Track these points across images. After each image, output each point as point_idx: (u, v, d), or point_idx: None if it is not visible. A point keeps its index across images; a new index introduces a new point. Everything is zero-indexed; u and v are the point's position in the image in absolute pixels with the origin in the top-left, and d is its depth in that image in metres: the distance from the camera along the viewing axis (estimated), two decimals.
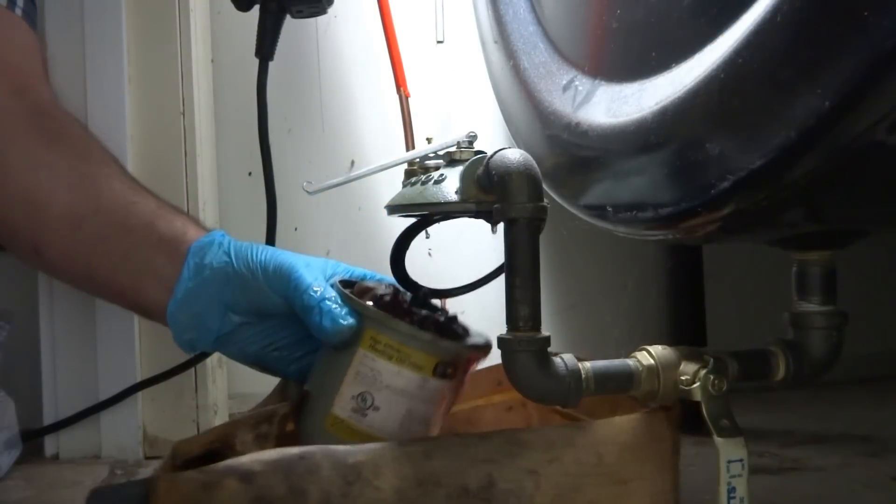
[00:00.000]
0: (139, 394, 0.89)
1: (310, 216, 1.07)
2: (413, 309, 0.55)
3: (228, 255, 0.61)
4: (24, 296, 0.87)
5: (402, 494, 0.45)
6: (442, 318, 0.56)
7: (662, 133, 0.53)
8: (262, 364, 0.64)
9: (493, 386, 0.68)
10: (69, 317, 0.89)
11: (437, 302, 0.61)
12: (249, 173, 1.05)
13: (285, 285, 0.58)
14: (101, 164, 0.68)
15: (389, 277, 0.63)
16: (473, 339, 0.57)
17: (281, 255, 0.60)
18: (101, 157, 0.69)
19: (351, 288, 0.58)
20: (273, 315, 0.61)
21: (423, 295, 0.57)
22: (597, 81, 0.65)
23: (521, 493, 0.47)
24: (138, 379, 0.88)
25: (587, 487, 0.48)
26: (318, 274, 0.59)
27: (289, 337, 0.61)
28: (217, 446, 0.53)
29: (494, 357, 0.71)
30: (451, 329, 0.56)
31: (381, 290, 0.57)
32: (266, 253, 0.60)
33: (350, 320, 0.55)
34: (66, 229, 0.64)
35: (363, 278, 0.63)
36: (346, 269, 0.63)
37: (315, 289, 0.57)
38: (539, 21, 0.79)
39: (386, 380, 0.53)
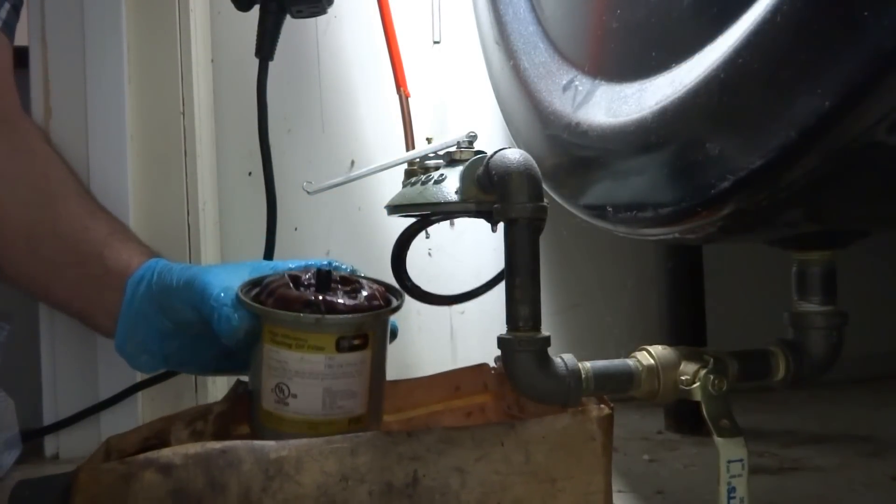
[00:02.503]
0: (139, 394, 0.89)
1: (310, 216, 1.07)
2: (305, 292, 0.55)
3: (150, 284, 0.62)
4: (24, 296, 0.87)
5: (325, 490, 0.46)
6: (339, 295, 0.56)
7: (662, 133, 0.53)
8: (224, 372, 0.64)
9: (451, 391, 0.69)
10: (69, 317, 0.89)
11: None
12: (249, 173, 1.05)
13: (194, 299, 0.59)
14: (60, 184, 0.69)
15: (317, 260, 0.63)
16: (382, 303, 0.57)
17: (190, 270, 0.61)
18: (61, 175, 0.70)
19: (260, 286, 0.59)
20: (200, 331, 0.61)
21: (325, 273, 0.57)
22: (597, 81, 0.65)
23: (446, 491, 0.48)
24: (138, 379, 0.88)
25: (515, 486, 0.49)
26: (227, 279, 0.59)
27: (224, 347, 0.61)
28: (153, 442, 0.53)
29: (456, 362, 0.71)
30: (348, 305, 0.55)
31: (277, 280, 0.57)
32: (180, 273, 0.61)
33: (238, 322, 0.56)
34: (24, 249, 0.65)
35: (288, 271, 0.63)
36: (270, 267, 0.63)
37: (219, 295, 0.57)
38: (539, 21, 0.79)
39: (293, 367, 0.53)
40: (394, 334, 0.61)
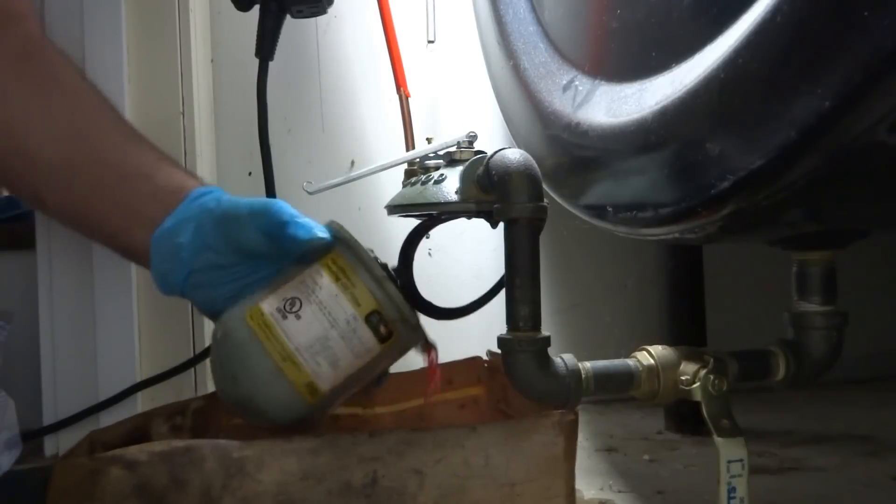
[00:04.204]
0: (139, 394, 0.89)
1: (310, 216, 1.07)
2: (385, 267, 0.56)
3: (219, 199, 0.61)
4: (24, 296, 0.87)
5: (284, 488, 0.47)
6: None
7: (662, 133, 0.53)
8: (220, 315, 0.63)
9: (444, 384, 0.69)
10: (69, 317, 0.89)
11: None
12: (249, 173, 1.05)
13: (267, 215, 0.57)
14: (96, 114, 0.66)
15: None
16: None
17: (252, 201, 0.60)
18: (96, 105, 0.66)
19: None
20: (249, 256, 0.59)
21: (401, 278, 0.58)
22: (597, 81, 0.65)
23: (403, 492, 0.48)
24: (138, 379, 0.88)
25: (473, 489, 0.49)
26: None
27: (261, 280, 0.59)
28: (136, 436, 0.55)
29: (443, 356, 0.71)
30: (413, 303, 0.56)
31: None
32: (253, 201, 0.60)
33: (323, 234, 0.55)
34: (62, 181, 0.63)
35: None
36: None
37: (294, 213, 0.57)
38: (539, 21, 0.79)
39: (322, 296, 0.53)
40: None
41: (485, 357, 0.70)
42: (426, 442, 0.49)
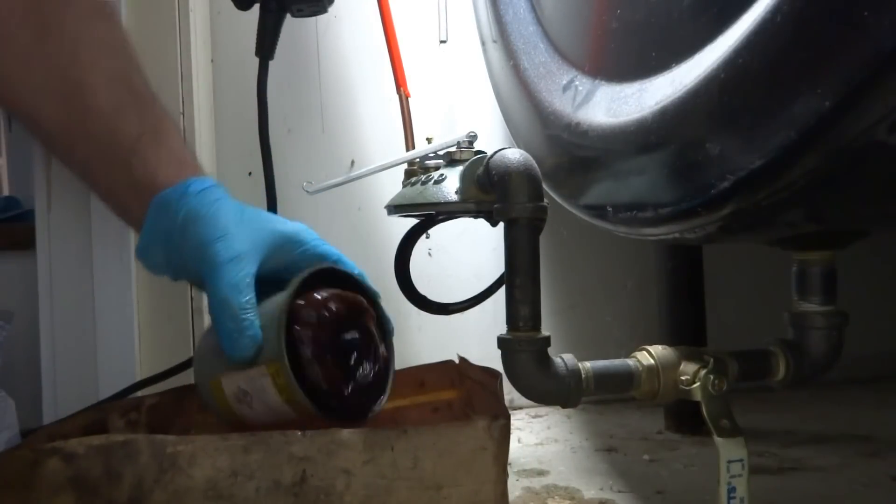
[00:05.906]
0: (139, 393, 0.89)
1: (310, 216, 1.07)
2: (338, 367, 0.53)
3: (174, 221, 0.55)
4: (24, 296, 0.87)
5: (213, 484, 0.48)
6: (352, 364, 0.54)
7: (662, 133, 0.53)
8: None
9: (416, 387, 0.69)
10: (69, 317, 0.89)
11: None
12: (249, 173, 1.05)
13: (204, 272, 0.53)
14: (91, 68, 0.60)
15: (352, 265, 0.57)
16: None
17: (210, 223, 0.54)
18: (92, 55, 0.60)
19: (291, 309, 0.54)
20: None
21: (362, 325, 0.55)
22: (597, 81, 0.65)
23: (330, 491, 0.49)
24: (138, 379, 0.88)
25: (399, 490, 0.49)
26: (248, 253, 0.53)
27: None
28: (95, 429, 0.56)
29: (423, 356, 0.69)
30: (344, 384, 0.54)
31: (314, 324, 0.53)
32: (197, 222, 0.54)
33: (249, 352, 0.52)
34: (63, 149, 0.59)
35: (332, 261, 0.57)
36: (296, 241, 0.56)
37: (239, 307, 0.52)
38: (539, 21, 0.79)
39: (269, 400, 0.53)
40: None
41: (456, 361, 0.69)
42: (357, 443, 0.49)
